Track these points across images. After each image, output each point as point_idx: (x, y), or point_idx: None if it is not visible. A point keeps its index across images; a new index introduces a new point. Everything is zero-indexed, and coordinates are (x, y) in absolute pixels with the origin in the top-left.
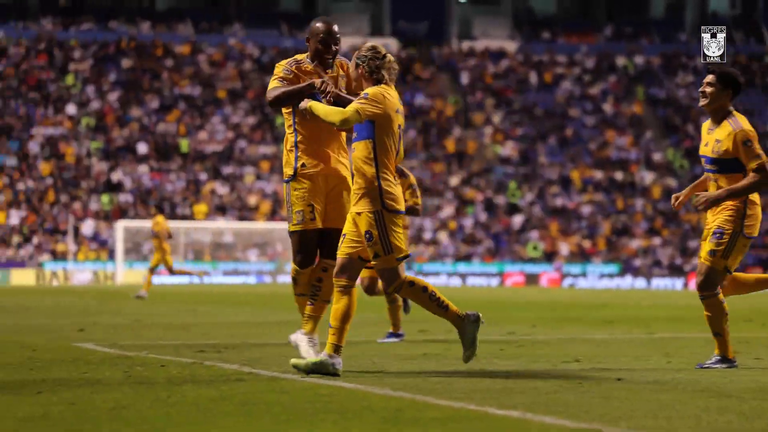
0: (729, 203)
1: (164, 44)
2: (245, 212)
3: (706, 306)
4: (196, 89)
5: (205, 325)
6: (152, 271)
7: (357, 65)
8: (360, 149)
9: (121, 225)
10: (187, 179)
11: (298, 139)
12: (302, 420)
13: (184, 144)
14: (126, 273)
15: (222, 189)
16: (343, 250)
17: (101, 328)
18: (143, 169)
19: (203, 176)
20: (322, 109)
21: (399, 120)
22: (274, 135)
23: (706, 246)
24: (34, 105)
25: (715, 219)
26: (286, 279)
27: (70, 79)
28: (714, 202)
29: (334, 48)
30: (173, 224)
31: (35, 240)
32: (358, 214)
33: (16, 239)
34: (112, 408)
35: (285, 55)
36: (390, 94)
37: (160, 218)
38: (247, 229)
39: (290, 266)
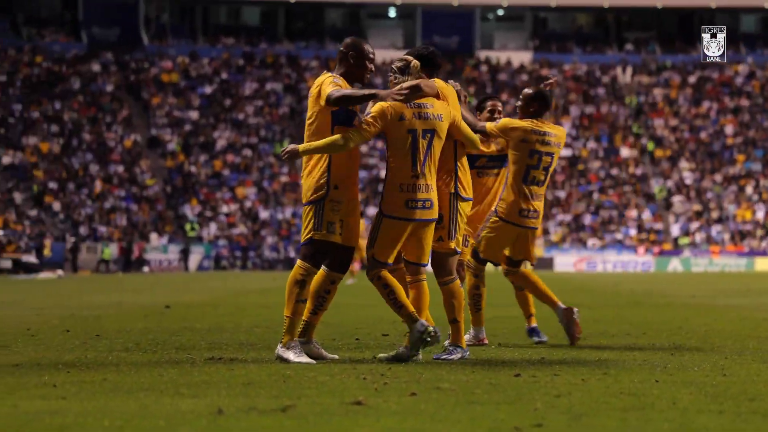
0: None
1: None
2: None
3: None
4: None
5: None
6: None
7: (389, 75)
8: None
9: None
10: None
11: (332, 161)
12: None
13: None
14: None
15: None
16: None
17: None
18: None
19: None
20: (319, 144)
21: (411, 125)
22: None
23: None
24: None
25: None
26: None
27: None
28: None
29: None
30: None
31: None
32: None
33: (759, 232)
34: None
35: None
36: (397, 104)
37: None
38: None
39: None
